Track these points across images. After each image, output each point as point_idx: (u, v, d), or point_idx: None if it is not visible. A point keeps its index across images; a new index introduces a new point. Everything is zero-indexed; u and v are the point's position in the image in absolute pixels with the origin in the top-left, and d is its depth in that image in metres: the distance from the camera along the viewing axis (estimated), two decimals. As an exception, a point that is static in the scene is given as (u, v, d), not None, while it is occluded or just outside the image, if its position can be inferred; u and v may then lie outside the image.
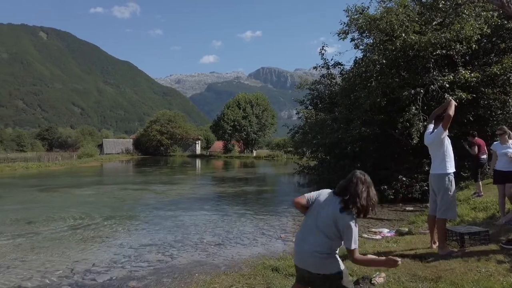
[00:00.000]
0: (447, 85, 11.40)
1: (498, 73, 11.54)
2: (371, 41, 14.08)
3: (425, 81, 11.80)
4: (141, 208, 12.29)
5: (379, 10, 13.44)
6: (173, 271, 5.61)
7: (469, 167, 10.62)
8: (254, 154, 68.45)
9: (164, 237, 7.88)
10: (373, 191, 2.66)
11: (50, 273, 5.63)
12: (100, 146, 75.67)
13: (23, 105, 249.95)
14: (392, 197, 11.96)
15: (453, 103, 4.99)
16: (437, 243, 5.20)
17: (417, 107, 11.48)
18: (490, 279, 3.88)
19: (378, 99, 12.17)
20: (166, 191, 16.94)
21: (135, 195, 15.59)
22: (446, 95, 10.73)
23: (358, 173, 2.72)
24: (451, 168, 5.06)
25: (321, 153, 17.28)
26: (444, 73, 11.80)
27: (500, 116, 12.28)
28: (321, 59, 17.55)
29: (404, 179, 12.06)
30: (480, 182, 9.39)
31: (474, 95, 11.50)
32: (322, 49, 17.33)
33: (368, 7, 13.73)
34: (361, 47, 14.64)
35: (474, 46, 11.27)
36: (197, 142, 78.70)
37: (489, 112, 12.32)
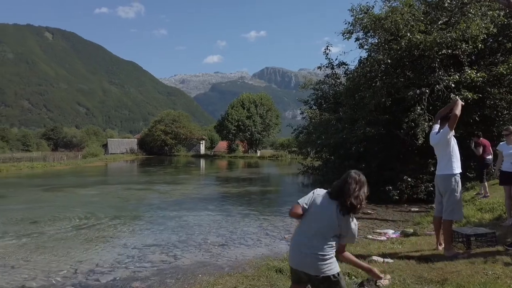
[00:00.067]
0: (453, 85, 11.32)
1: (505, 72, 11.45)
2: (376, 40, 14.02)
3: (431, 81, 11.72)
4: (145, 208, 12.30)
5: (384, 10, 13.39)
6: (176, 271, 5.59)
7: (475, 167, 10.53)
8: (258, 154, 68.38)
9: (168, 238, 7.87)
10: (365, 191, 2.70)
11: (54, 273, 5.64)
12: (105, 146, 75.94)
13: (28, 105, 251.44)
14: (397, 197, 11.89)
15: (460, 102, 4.92)
16: (443, 244, 5.14)
17: (423, 107, 11.40)
18: (497, 281, 3.83)
19: (383, 99, 12.10)
20: (170, 191, 16.95)
21: (139, 195, 15.61)
22: (452, 95, 10.65)
23: (353, 173, 2.74)
24: (457, 168, 5.00)
25: (325, 154, 17.23)
26: (449, 73, 11.71)
27: (507, 116, 12.18)
28: (326, 59, 17.52)
29: (409, 179, 12.00)
30: (486, 183, 9.31)
31: (480, 95, 11.41)
32: (327, 49, 17.28)
33: (373, 6, 13.70)
34: (365, 46, 14.59)
35: (480, 45, 11.18)
36: (201, 142, 78.81)
37: (495, 112, 12.22)
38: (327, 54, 17.38)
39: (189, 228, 8.88)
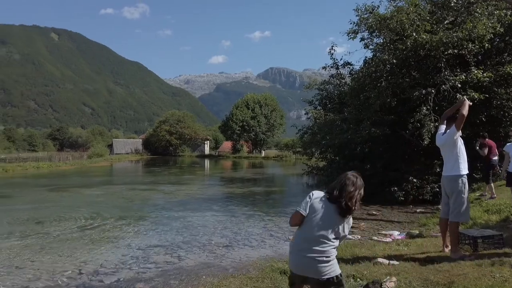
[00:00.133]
0: (459, 85, 11.22)
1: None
2: (381, 40, 13.94)
3: (437, 81, 11.62)
4: (149, 208, 12.32)
5: (389, 9, 13.31)
6: (180, 273, 5.57)
7: (481, 168, 10.44)
8: (263, 155, 68.36)
9: (172, 238, 7.87)
10: (361, 193, 2.73)
11: (58, 273, 5.64)
12: (110, 146, 76.27)
13: (34, 106, 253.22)
14: (403, 198, 11.81)
15: (467, 102, 4.86)
16: (450, 246, 5.08)
17: (428, 107, 11.31)
18: (504, 284, 3.77)
19: (388, 99, 12.02)
20: (175, 191, 16.96)
21: (143, 195, 15.64)
22: (458, 95, 10.55)
23: (351, 175, 2.76)
24: (464, 170, 4.94)
25: (330, 154, 17.15)
26: (456, 73, 11.61)
27: (514, 116, 12.05)
28: (331, 59, 17.42)
29: (414, 180, 11.91)
30: (492, 184, 9.23)
31: (487, 95, 11.29)
32: (332, 49, 17.20)
33: (378, 6, 13.59)
34: (371, 46, 14.50)
35: (486, 45, 11.07)
36: (206, 142, 78.94)
37: (502, 112, 12.09)
38: (332, 54, 17.31)
39: (193, 228, 8.87)
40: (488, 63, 12.43)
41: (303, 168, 19.90)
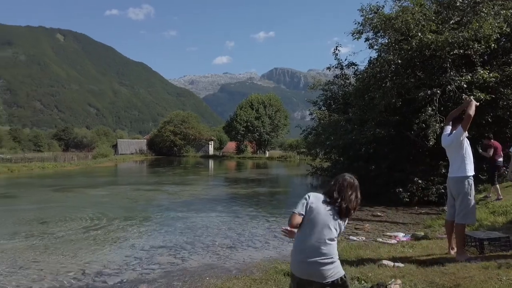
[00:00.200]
0: (465, 86, 11.13)
1: (518, 73, 11.22)
2: (386, 40, 13.87)
3: (442, 81, 11.54)
4: (153, 209, 12.33)
5: (394, 9, 13.26)
6: (184, 274, 5.56)
7: (487, 169, 10.36)
8: (267, 155, 68.33)
9: (176, 239, 7.86)
10: (359, 195, 2.76)
11: (62, 274, 5.64)
12: (115, 146, 76.54)
13: (40, 106, 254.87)
14: (408, 200, 11.74)
15: (474, 103, 4.81)
16: (455, 249, 5.03)
17: (434, 108, 11.24)
18: (511, 288, 3.72)
19: (393, 100, 11.96)
20: (179, 192, 16.97)
21: (148, 196, 15.66)
22: (464, 95, 10.45)
23: (348, 177, 2.78)
24: (470, 171, 4.89)
25: (334, 155, 17.11)
26: (461, 73, 11.53)
27: (520, 117, 11.94)
28: (335, 59, 17.40)
29: (420, 181, 11.83)
30: (498, 185, 9.15)
31: (493, 96, 11.19)
32: (336, 49, 17.17)
33: (383, 6, 13.53)
34: (375, 47, 14.45)
35: (493, 45, 10.98)
36: (210, 142, 79.01)
37: (508, 113, 11.98)
38: (337, 55, 17.28)
39: (197, 229, 8.86)
40: (494, 63, 12.33)
41: (307, 168, 19.85)
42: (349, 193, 2.71)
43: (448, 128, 5.20)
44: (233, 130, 70.78)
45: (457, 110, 5.21)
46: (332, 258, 2.62)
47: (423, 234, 7.07)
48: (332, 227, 2.63)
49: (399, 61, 12.21)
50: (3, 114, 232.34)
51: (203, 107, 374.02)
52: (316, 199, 2.74)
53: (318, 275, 2.59)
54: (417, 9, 11.87)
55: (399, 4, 13.20)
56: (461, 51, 11.33)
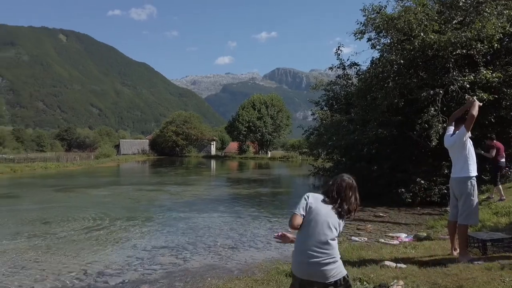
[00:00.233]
0: (468, 86, 11.08)
1: (521, 72, 11.17)
2: (389, 41, 13.82)
3: (445, 81, 11.50)
4: (155, 209, 12.34)
5: (396, 9, 13.19)
6: (185, 274, 5.55)
7: (490, 170, 10.32)
8: (269, 155, 68.33)
9: (178, 239, 7.85)
10: (358, 196, 2.79)
11: (63, 275, 5.64)
12: (117, 146, 76.76)
13: (43, 106, 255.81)
14: (410, 200, 11.70)
15: (477, 103, 4.78)
16: (458, 249, 5.01)
17: (436, 108, 11.19)
18: (515, 289, 3.69)
19: (396, 100, 11.92)
20: (181, 192, 16.98)
21: (150, 196, 15.67)
22: (467, 96, 10.42)
23: (346, 178, 2.80)
24: (473, 171, 4.87)
25: (336, 155, 17.06)
26: (464, 73, 11.48)
27: (523, 117, 11.87)
28: (337, 59, 17.34)
29: (422, 182, 11.78)
30: (501, 186, 9.11)
31: (496, 96, 11.14)
32: (338, 49, 17.12)
33: (386, 6, 13.46)
34: (378, 47, 14.38)
35: (496, 45, 10.92)
36: (212, 143, 79.11)
37: (511, 113, 11.93)
38: (339, 55, 17.23)
39: (199, 230, 8.85)
40: (497, 63, 12.27)
41: (309, 169, 19.82)
42: (349, 194, 2.73)
43: (451, 128, 5.18)
44: (235, 131, 70.82)
45: (460, 111, 5.18)
46: (334, 257, 2.61)
47: (425, 235, 7.04)
48: (332, 227, 2.64)
49: (402, 61, 12.17)
50: (6, 114, 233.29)
51: (205, 107, 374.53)
52: (315, 199, 2.75)
53: (321, 275, 2.59)
54: (419, 9, 11.83)
55: (401, 4, 13.15)
56: (464, 51, 11.28)
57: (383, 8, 13.39)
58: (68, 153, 62.65)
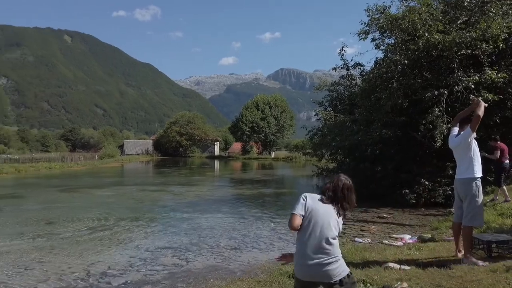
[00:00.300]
0: (473, 86, 11.01)
1: (527, 73, 11.08)
2: (393, 41, 13.77)
3: (449, 81, 11.43)
4: (158, 209, 12.35)
5: (401, 9, 13.14)
6: (188, 275, 5.54)
7: (494, 171, 10.24)
8: (273, 156, 68.28)
9: (180, 240, 7.85)
10: (354, 195, 2.83)
11: (66, 275, 5.65)
12: (121, 147, 76.99)
13: (48, 107, 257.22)
14: (414, 201, 11.63)
15: (483, 104, 4.74)
16: (463, 251, 4.96)
17: (441, 108, 11.13)
18: (520, 292, 3.65)
19: (400, 101, 11.86)
20: (184, 192, 16.99)
21: (153, 197, 15.69)
22: (472, 96, 10.35)
23: (343, 178, 2.83)
24: (478, 172, 4.82)
25: (340, 156, 17.01)
26: (469, 74, 11.40)
27: (529, 118, 11.77)
28: (341, 60, 17.29)
29: (426, 183, 11.71)
30: (505, 187, 9.04)
31: (501, 96, 11.06)
32: (342, 49, 17.07)
33: (390, 6, 13.40)
34: (382, 47, 14.33)
35: (501, 45, 10.84)
36: (215, 143, 79.18)
37: (516, 114, 11.83)
38: (343, 55, 17.18)
39: (202, 230, 8.84)
40: (503, 63, 12.18)
41: (313, 169, 19.78)
42: (345, 193, 2.75)
43: (455, 129, 5.14)
44: (239, 131, 70.82)
45: (465, 112, 5.14)
46: (336, 256, 2.61)
47: (430, 236, 6.99)
48: (332, 226, 2.64)
49: (406, 62, 12.11)
50: (11, 114, 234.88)
51: (209, 107, 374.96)
52: (312, 199, 2.75)
53: (325, 275, 2.58)
54: (424, 9, 11.76)
55: (405, 4, 13.09)
56: (469, 51, 11.20)
57: (387, 8, 13.34)
58: (73, 154, 62.93)
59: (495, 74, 10.91)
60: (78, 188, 19.09)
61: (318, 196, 2.77)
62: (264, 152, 72.47)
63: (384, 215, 10.38)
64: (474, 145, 4.88)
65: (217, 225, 9.43)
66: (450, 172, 11.13)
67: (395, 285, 4.04)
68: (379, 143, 13.44)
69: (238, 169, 39.58)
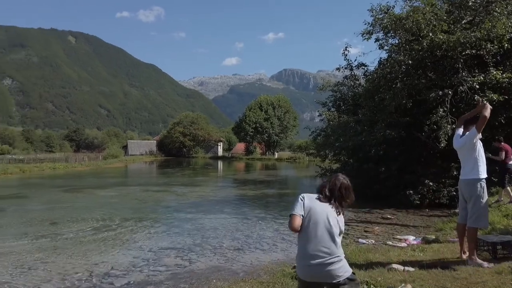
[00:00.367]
0: (477, 86, 10.94)
1: (532, 73, 10.99)
2: (397, 41, 13.71)
3: (454, 82, 11.36)
4: (162, 210, 12.36)
5: (405, 9, 13.05)
6: (190, 276, 5.53)
7: (498, 172, 10.17)
8: (276, 156, 68.26)
9: (183, 241, 7.84)
10: (351, 194, 2.85)
11: (69, 275, 5.66)
12: (125, 147, 77.27)
13: (52, 107, 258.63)
14: (418, 202, 11.58)
15: (489, 106, 4.71)
16: (467, 253, 4.92)
17: (445, 109, 11.07)
18: (526, 294, 3.61)
19: (404, 101, 11.81)
20: (188, 193, 17.00)
21: (156, 197, 15.71)
22: (476, 97, 10.28)
23: (341, 177, 2.85)
24: (483, 173, 4.78)
25: (343, 156, 16.96)
26: (473, 74, 11.33)
27: (534, 118, 11.68)
28: (345, 60, 17.23)
29: (431, 183, 11.66)
30: (509, 188, 8.98)
31: (506, 97, 10.98)
32: (346, 50, 17.01)
33: (394, 6, 13.33)
34: (385, 47, 14.26)
35: (506, 45, 10.77)
36: (219, 143, 79.31)
37: (522, 114, 11.74)
38: (346, 56, 17.11)
39: (205, 231, 8.83)
40: (508, 63, 12.09)
41: (316, 170, 19.72)
42: (343, 192, 2.76)
43: (460, 130, 5.10)
44: (242, 131, 70.88)
45: (469, 114, 5.10)
46: (338, 256, 2.60)
47: (434, 237, 6.95)
48: (332, 225, 2.62)
49: (410, 62, 12.05)
50: (16, 115, 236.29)
51: (212, 108, 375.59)
52: (310, 199, 2.74)
53: (328, 275, 2.56)
54: (428, 9, 11.70)
55: (409, 4, 13.02)
56: (473, 51, 11.14)
57: (391, 8, 13.28)
58: (77, 154, 63.18)
59: (500, 74, 10.85)
60: (82, 188, 19.14)
61: (315, 195, 2.77)
62: (267, 153, 72.48)
63: (388, 216, 10.33)
64: (479, 146, 4.84)
65: (220, 226, 9.42)
66: (455, 173, 11.07)
67: (399, 287, 4.01)
68: (383, 143, 13.38)
69: (242, 169, 39.58)
